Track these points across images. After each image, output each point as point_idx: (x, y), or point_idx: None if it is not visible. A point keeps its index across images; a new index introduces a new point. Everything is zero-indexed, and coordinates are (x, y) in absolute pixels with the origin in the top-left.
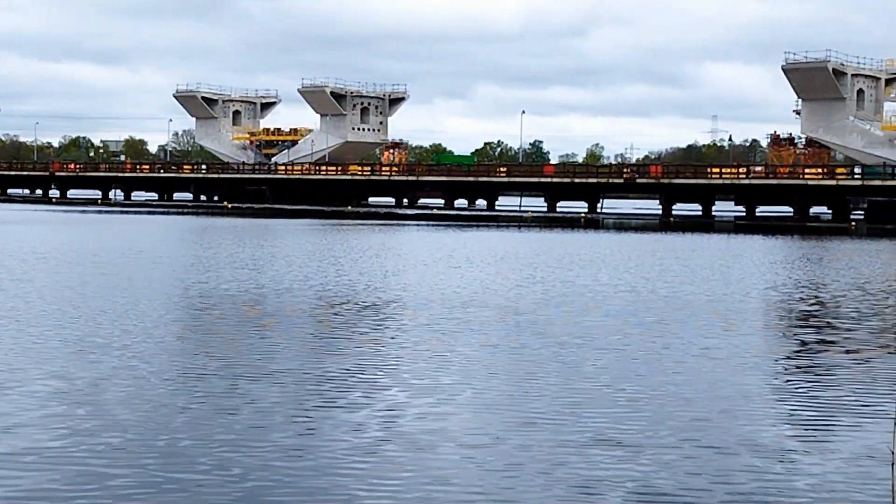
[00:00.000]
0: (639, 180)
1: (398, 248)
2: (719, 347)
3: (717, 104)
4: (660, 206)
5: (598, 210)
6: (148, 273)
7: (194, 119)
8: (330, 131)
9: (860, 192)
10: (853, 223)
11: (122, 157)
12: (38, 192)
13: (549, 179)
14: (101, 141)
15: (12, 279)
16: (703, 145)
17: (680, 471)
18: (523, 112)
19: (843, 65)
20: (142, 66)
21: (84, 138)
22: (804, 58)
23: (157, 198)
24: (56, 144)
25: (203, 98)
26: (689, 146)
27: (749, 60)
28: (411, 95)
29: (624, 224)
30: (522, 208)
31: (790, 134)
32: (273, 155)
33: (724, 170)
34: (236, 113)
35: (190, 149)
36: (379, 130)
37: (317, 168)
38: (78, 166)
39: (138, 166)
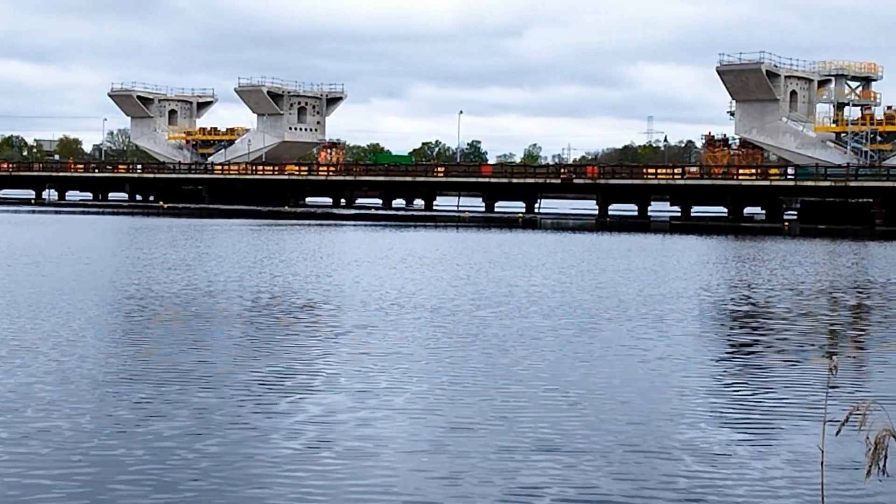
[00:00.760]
0: (576, 181)
1: (334, 248)
2: (654, 348)
3: (652, 105)
4: (596, 207)
5: (536, 210)
6: (79, 274)
7: (129, 118)
8: (267, 131)
9: (793, 193)
10: (786, 223)
11: (56, 157)
12: None
13: (487, 179)
14: (35, 140)
15: None
16: (639, 146)
17: (620, 475)
18: (461, 112)
19: (776, 66)
20: (74, 64)
21: (17, 137)
22: (738, 59)
23: (91, 198)
24: None
25: (138, 97)
26: (626, 147)
27: (683, 62)
28: (349, 95)
29: (561, 224)
30: (460, 208)
31: (724, 135)
32: (209, 155)
33: (659, 170)
34: (172, 112)
35: (125, 148)
36: (316, 130)
37: (254, 168)
38: (11, 166)
39: (72, 165)
